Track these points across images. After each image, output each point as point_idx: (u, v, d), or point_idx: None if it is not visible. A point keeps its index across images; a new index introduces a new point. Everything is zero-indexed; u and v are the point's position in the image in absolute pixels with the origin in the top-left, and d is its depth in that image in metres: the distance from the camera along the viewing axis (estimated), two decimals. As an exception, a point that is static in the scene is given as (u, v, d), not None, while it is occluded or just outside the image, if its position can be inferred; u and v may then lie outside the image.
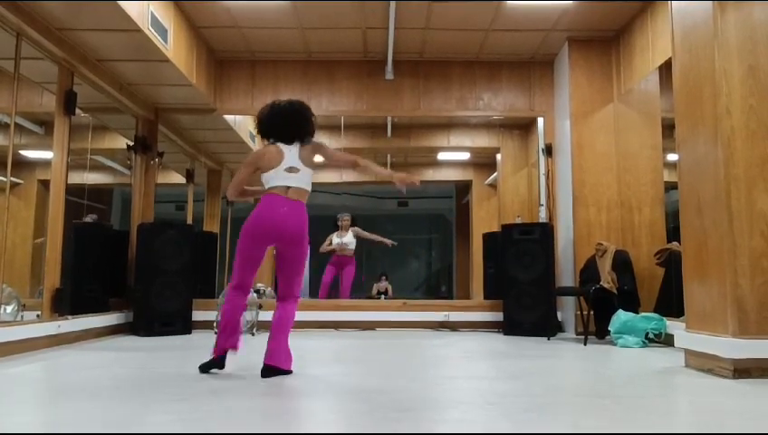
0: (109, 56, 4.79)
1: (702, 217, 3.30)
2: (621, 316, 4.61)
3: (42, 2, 3.82)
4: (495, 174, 7.47)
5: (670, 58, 3.72)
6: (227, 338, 3.16)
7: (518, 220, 6.49)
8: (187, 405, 2.38)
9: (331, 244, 7.52)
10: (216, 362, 3.14)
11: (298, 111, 3.27)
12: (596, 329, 5.01)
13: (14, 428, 2.01)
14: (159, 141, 6.17)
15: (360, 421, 2.14)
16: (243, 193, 3.34)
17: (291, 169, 3.15)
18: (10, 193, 4.75)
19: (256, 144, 7.17)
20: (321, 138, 7.33)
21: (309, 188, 3.22)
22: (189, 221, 6.91)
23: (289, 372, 3.13)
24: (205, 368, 3.13)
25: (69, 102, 4.50)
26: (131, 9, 4.08)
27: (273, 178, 3.14)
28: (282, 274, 3.25)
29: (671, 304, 4.56)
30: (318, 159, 3.29)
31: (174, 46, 4.92)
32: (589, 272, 5.21)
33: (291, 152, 3.18)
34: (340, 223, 7.50)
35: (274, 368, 3.06)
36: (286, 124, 3.23)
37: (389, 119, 6.92)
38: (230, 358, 3.83)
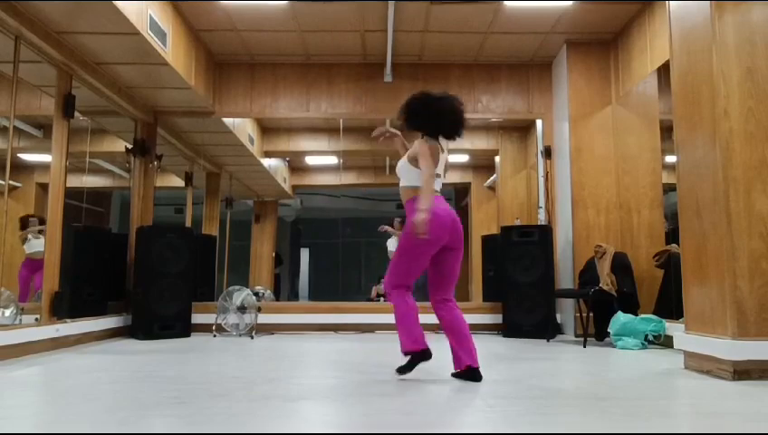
0: (108, 59, 4.79)
1: (701, 219, 3.31)
2: (621, 318, 4.62)
3: (42, 1, 3.81)
4: (494, 176, 7.47)
5: (668, 60, 3.73)
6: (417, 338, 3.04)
7: (517, 222, 6.50)
8: (187, 408, 2.38)
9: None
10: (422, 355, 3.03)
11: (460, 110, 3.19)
12: (595, 331, 5.02)
13: (14, 430, 2.00)
14: (158, 144, 6.17)
15: (360, 423, 2.13)
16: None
17: (438, 175, 3.12)
18: (8, 196, 4.75)
19: (255, 147, 7.19)
20: (320, 140, 7.42)
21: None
22: (188, 224, 6.90)
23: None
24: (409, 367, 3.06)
25: (68, 105, 4.50)
26: (130, 13, 4.08)
27: (437, 180, 3.08)
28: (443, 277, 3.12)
29: (670, 305, 4.56)
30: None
31: (173, 49, 4.92)
32: (588, 274, 5.21)
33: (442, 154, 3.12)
34: (395, 226, 7.47)
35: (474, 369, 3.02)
36: (456, 122, 3.15)
37: (388, 121, 6.92)
38: (229, 360, 3.83)
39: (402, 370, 3.07)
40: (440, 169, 3.13)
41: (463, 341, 3.07)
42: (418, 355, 3.02)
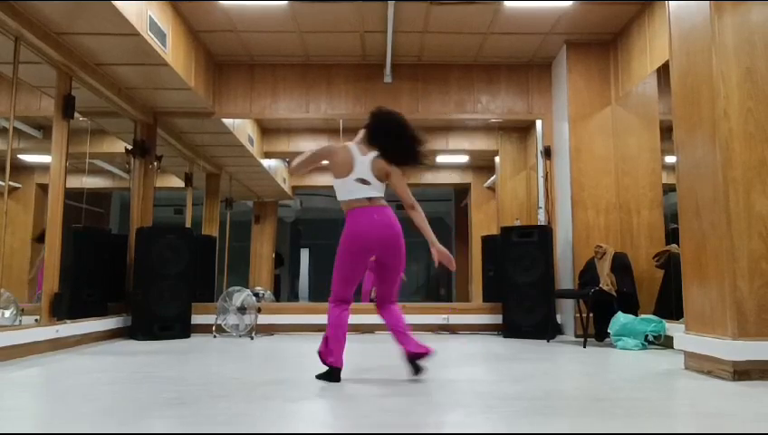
0: (107, 60, 4.79)
1: (700, 220, 3.31)
2: (621, 319, 4.62)
3: (42, 1, 3.81)
4: (494, 177, 7.47)
5: (668, 61, 3.73)
6: (336, 354, 3.09)
7: (517, 223, 6.50)
8: (187, 409, 2.38)
9: None
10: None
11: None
12: (595, 331, 5.02)
13: (13, 431, 2.00)
14: (158, 145, 6.17)
15: (360, 424, 2.13)
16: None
17: (362, 181, 3.12)
18: (8, 197, 4.75)
19: (255, 148, 7.19)
20: (320, 141, 7.42)
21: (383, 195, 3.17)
22: (188, 225, 6.90)
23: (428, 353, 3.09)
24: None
25: (67, 106, 4.50)
26: (130, 13, 4.08)
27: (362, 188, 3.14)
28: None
29: (670, 306, 4.56)
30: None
31: (173, 50, 4.92)
32: (588, 274, 5.21)
33: (362, 164, 3.13)
34: None
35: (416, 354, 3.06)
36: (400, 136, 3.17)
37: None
38: (229, 361, 3.83)
39: (322, 377, 3.07)
40: (363, 175, 3.10)
41: (400, 337, 3.13)
42: (336, 371, 3.06)
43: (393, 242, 3.10)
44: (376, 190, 3.12)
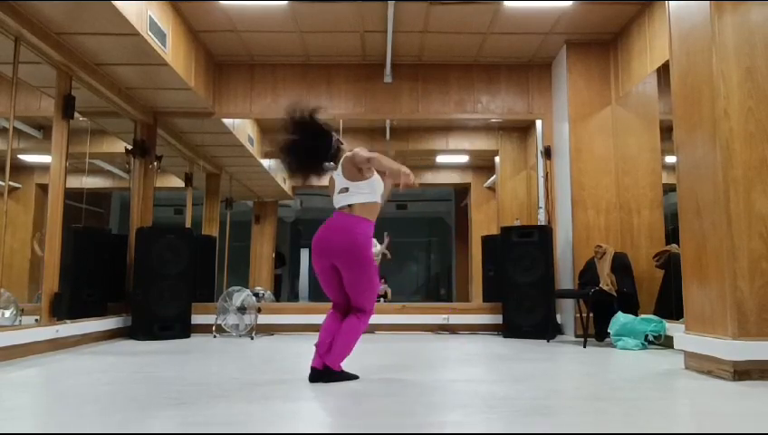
0: (107, 60, 4.79)
1: (701, 220, 3.31)
2: (621, 318, 4.61)
3: (42, 0, 3.81)
4: (494, 177, 7.47)
5: (668, 61, 3.73)
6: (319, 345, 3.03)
7: (517, 223, 6.50)
8: (187, 409, 2.38)
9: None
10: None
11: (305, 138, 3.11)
12: (595, 331, 5.01)
13: (13, 431, 2.00)
14: (158, 145, 6.17)
15: (360, 424, 2.13)
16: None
17: (341, 191, 3.09)
18: (8, 197, 4.75)
19: (255, 148, 7.19)
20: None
21: (362, 200, 3.05)
22: (188, 225, 6.90)
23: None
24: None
25: (67, 106, 4.50)
26: (130, 13, 4.08)
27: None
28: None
29: (670, 306, 4.56)
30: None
31: (173, 50, 4.92)
32: (588, 274, 5.21)
33: (338, 174, 3.11)
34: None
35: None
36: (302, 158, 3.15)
37: (388, 122, 6.93)
38: (229, 361, 3.83)
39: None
40: (341, 185, 3.11)
41: (321, 347, 3.02)
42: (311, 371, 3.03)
43: (340, 248, 2.96)
44: (356, 195, 3.04)
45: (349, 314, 3.11)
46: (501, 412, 2.33)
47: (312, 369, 2.98)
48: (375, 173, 3.10)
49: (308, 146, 3.10)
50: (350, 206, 3.05)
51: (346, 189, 3.06)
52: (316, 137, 3.13)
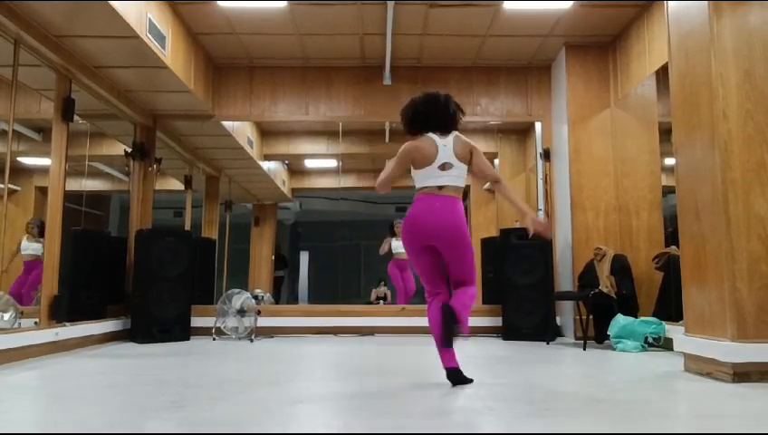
0: (107, 63, 4.80)
1: (700, 222, 3.31)
2: (620, 321, 4.61)
3: (42, 1, 3.80)
4: (493, 179, 7.46)
5: (667, 63, 3.74)
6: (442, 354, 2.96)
7: (516, 225, 6.49)
8: (186, 411, 2.38)
9: (389, 248, 7.56)
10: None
11: (448, 101, 3.11)
12: (595, 334, 5.01)
13: (12, 431, 2.00)
14: (157, 148, 6.17)
15: (359, 425, 2.13)
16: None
17: (444, 166, 2.98)
18: (8, 200, 4.75)
19: (254, 150, 7.19)
20: (319, 143, 7.43)
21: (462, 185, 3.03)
22: (188, 227, 6.90)
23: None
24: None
25: (67, 109, 4.50)
26: (129, 16, 4.09)
27: (426, 177, 2.99)
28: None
29: (670, 308, 4.56)
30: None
31: (172, 53, 4.93)
32: (587, 276, 5.21)
33: (446, 146, 3.01)
34: (396, 229, 7.48)
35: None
36: (441, 110, 3.07)
37: (388, 124, 6.93)
38: (229, 363, 3.83)
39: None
40: (446, 159, 2.99)
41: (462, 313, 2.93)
42: (451, 373, 2.95)
43: (450, 231, 2.95)
44: (455, 177, 3.00)
45: (457, 289, 3.02)
46: (501, 415, 2.33)
47: (450, 370, 2.93)
48: None
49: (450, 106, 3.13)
50: (456, 188, 3.01)
51: (451, 166, 3.00)
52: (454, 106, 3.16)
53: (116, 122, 5.83)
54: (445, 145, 3.02)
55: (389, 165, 3.13)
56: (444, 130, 3.06)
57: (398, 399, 2.67)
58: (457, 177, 3.01)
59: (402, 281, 7.52)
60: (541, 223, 3.03)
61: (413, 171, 3.08)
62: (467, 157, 3.06)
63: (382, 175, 3.14)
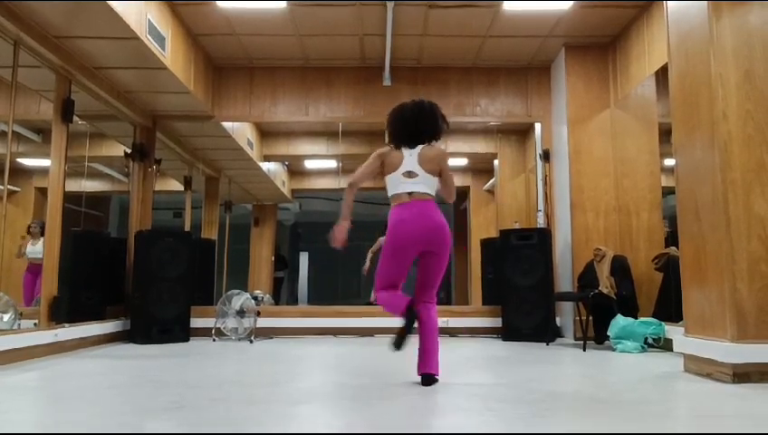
0: (106, 64, 4.79)
1: (700, 222, 3.31)
2: (620, 321, 4.61)
3: (42, 1, 3.80)
4: (493, 180, 7.47)
5: (666, 63, 3.74)
6: (399, 304, 3.04)
7: (516, 226, 6.50)
8: (186, 413, 2.37)
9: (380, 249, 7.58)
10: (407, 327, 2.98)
11: (424, 111, 3.20)
12: (595, 334, 5.01)
13: (12, 432, 2.00)
14: (157, 149, 6.17)
15: (359, 426, 2.13)
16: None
17: (410, 174, 3.06)
18: (7, 201, 4.74)
19: (254, 150, 7.19)
20: (319, 144, 7.42)
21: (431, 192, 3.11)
22: (187, 228, 6.90)
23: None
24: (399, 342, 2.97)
25: (66, 110, 4.49)
26: (129, 17, 4.09)
27: (395, 185, 3.09)
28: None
29: (670, 308, 4.56)
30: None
31: (172, 54, 4.93)
32: (587, 277, 5.21)
33: (411, 156, 3.09)
34: None
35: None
36: (409, 124, 3.15)
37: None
38: (228, 364, 3.82)
39: (399, 334, 2.99)
40: (410, 168, 3.07)
41: (426, 342, 3.08)
42: (407, 312, 3.00)
43: (435, 231, 3.04)
44: (421, 184, 3.07)
45: (427, 304, 3.20)
46: (501, 415, 2.33)
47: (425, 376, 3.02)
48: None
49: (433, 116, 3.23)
50: (425, 193, 3.08)
51: (415, 174, 3.06)
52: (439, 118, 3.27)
53: (116, 123, 5.83)
54: (410, 155, 3.10)
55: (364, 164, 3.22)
56: (412, 143, 3.13)
57: (399, 399, 2.67)
58: (423, 184, 3.08)
59: None
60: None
61: (385, 177, 3.16)
62: (435, 169, 3.11)
63: (357, 172, 3.21)
